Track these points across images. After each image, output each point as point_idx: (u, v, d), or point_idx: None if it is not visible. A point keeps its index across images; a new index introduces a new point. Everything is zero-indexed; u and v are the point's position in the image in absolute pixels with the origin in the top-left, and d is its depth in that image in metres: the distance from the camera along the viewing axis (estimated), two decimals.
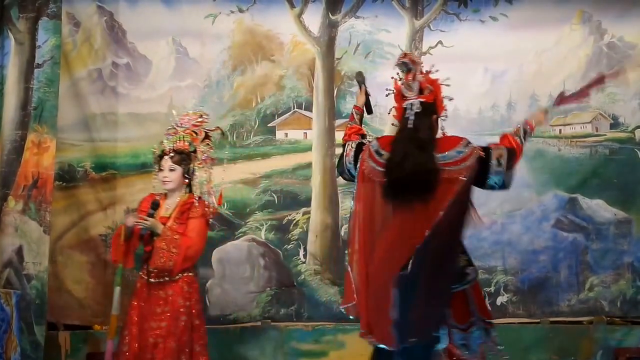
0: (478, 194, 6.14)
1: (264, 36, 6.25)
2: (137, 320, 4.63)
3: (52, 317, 5.77)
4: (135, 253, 4.77)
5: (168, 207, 4.77)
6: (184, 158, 4.77)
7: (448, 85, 4.10)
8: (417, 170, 3.80)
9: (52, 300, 5.76)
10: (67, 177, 6.04)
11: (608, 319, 5.98)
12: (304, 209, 6.18)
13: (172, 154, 4.75)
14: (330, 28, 6.22)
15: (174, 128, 4.83)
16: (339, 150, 6.10)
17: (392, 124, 4.32)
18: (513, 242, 6.15)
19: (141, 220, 4.62)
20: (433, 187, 3.78)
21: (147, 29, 6.17)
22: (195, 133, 4.83)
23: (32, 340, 5.52)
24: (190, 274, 4.77)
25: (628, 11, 6.19)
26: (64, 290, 5.89)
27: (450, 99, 4.16)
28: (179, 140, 4.78)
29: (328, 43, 6.22)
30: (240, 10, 6.18)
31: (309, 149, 6.23)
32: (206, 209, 4.78)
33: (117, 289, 4.67)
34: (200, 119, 4.89)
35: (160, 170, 4.76)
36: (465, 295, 3.95)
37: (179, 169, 4.75)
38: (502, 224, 6.13)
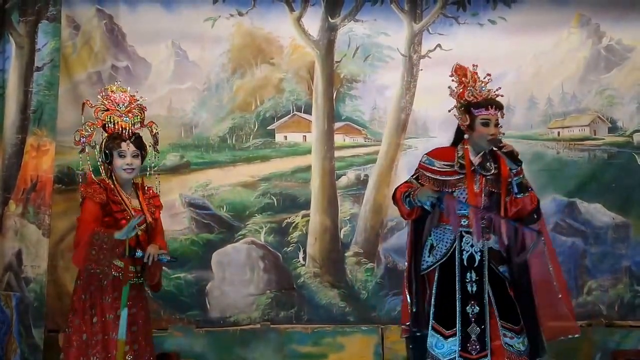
0: None
1: (264, 39, 6.25)
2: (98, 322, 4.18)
3: (53, 324, 5.76)
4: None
5: (128, 197, 4.27)
6: (142, 142, 4.28)
7: None
8: None
9: (53, 305, 5.76)
10: (67, 180, 6.04)
11: (606, 322, 5.99)
12: (303, 212, 6.19)
13: (133, 138, 4.23)
14: (330, 31, 6.23)
15: (117, 106, 4.27)
16: (338, 153, 6.19)
17: None
18: None
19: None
20: None
21: (146, 32, 6.17)
22: (141, 113, 4.31)
23: (30, 343, 5.53)
24: None
25: (626, 14, 6.20)
26: (65, 294, 5.88)
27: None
28: (137, 121, 4.25)
29: (327, 46, 6.23)
30: (240, 14, 6.18)
31: (308, 151, 6.24)
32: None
33: (125, 311, 4.10)
34: (137, 97, 4.35)
35: (122, 156, 4.19)
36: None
37: (139, 155, 4.25)
38: None
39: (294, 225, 6.19)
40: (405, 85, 6.21)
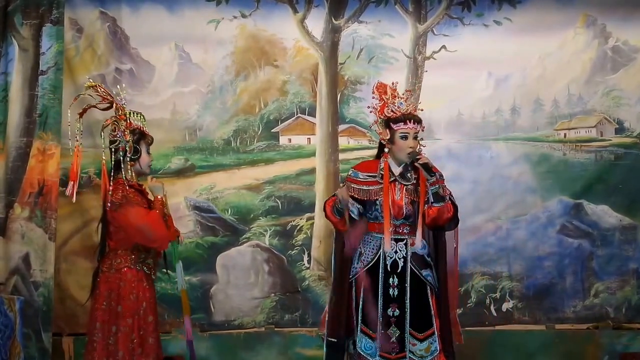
0: (483, 199, 6.20)
1: (267, 41, 6.23)
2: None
3: (57, 327, 5.78)
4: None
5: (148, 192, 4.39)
6: None
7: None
8: None
9: (57, 307, 5.78)
10: None
11: (614, 324, 5.95)
12: (307, 215, 6.17)
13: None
14: (333, 33, 6.20)
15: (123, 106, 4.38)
16: (342, 156, 6.18)
17: None
18: (518, 248, 6.14)
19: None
20: None
21: (150, 35, 6.15)
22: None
23: (39, 347, 5.54)
24: None
25: (633, 14, 6.15)
26: (68, 297, 5.90)
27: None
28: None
29: (331, 48, 6.20)
30: (243, 16, 6.16)
31: (312, 154, 6.22)
32: None
33: (180, 264, 4.49)
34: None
35: (149, 153, 4.39)
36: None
37: None
38: (507, 229, 6.12)
39: (298, 228, 6.17)
40: (410, 87, 6.16)
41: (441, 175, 4.22)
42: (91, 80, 4.39)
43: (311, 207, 6.16)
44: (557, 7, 6.16)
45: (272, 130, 6.24)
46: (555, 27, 6.17)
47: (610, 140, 6.19)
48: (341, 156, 6.19)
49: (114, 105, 4.34)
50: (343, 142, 6.22)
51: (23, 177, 5.74)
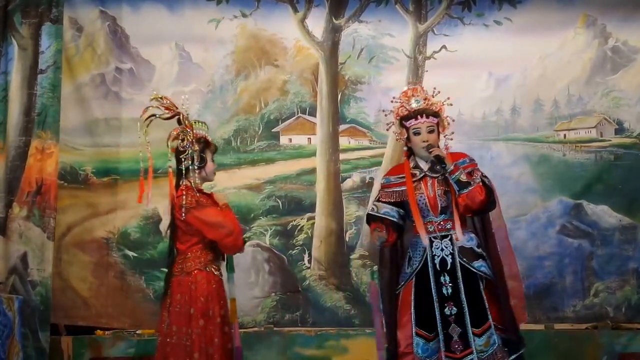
0: None
1: (268, 41, 6.24)
2: None
3: (57, 319, 5.77)
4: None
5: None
6: None
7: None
8: None
9: (58, 299, 5.78)
10: (70, 179, 6.04)
11: (613, 324, 5.97)
12: (308, 215, 6.18)
13: None
14: (334, 32, 6.21)
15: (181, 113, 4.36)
16: (343, 156, 6.19)
17: None
18: (519, 247, 6.08)
19: None
20: None
21: (150, 34, 6.17)
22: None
23: (37, 347, 5.53)
24: None
25: (632, 15, 6.18)
26: (69, 288, 5.89)
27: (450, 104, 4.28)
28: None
29: (332, 48, 6.21)
30: (244, 15, 6.17)
31: (313, 154, 6.23)
32: None
33: (234, 274, 4.56)
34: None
35: (213, 161, 4.43)
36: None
37: None
38: (508, 229, 6.09)
39: (299, 228, 6.17)
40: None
41: (472, 160, 4.17)
42: (155, 93, 4.36)
43: (312, 207, 6.17)
44: (557, 7, 6.18)
45: (272, 130, 6.25)
46: (556, 27, 6.19)
47: (610, 140, 6.21)
48: (342, 156, 6.20)
49: (181, 115, 4.32)
50: (344, 142, 6.23)
51: (22, 176, 5.74)
